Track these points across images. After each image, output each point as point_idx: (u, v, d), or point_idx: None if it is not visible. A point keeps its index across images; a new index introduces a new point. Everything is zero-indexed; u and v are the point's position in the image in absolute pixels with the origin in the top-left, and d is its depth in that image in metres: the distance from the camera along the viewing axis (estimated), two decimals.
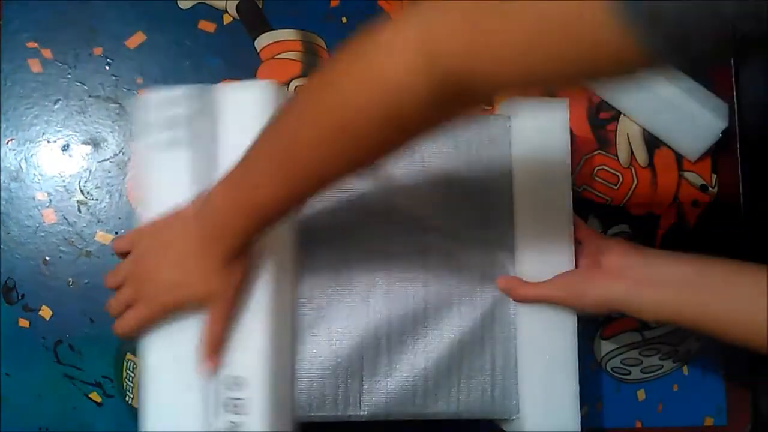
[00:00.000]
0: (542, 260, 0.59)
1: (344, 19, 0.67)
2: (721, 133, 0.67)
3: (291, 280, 0.57)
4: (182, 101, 0.56)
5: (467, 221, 0.59)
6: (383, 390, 0.57)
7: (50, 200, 0.64)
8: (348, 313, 0.58)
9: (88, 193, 0.64)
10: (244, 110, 0.55)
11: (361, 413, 0.57)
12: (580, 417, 0.57)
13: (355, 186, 0.59)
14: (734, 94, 0.70)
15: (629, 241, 0.64)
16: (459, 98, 0.38)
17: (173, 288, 0.52)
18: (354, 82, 0.39)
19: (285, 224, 0.54)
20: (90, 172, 0.64)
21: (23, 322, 0.62)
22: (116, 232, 0.63)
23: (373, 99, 0.38)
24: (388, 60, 0.38)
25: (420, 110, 0.38)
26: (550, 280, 0.58)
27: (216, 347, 0.52)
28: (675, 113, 0.67)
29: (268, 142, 0.45)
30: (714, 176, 0.70)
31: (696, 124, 0.67)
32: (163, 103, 0.56)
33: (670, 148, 0.69)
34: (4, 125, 0.64)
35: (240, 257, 0.50)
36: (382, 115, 0.39)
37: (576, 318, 0.58)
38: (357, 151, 0.42)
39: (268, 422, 0.52)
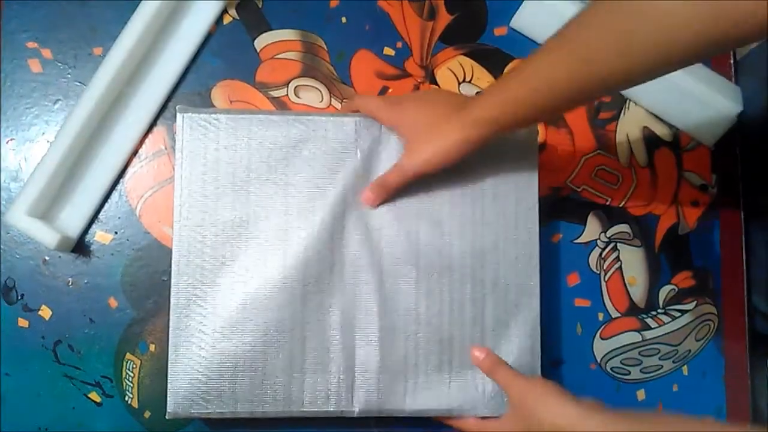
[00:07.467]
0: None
1: (344, 19, 0.67)
2: (737, 116, 0.67)
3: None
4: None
5: (459, 220, 0.60)
6: (375, 386, 0.58)
7: None
8: (340, 309, 0.58)
9: None
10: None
11: (353, 409, 0.58)
12: None
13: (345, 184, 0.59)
14: None
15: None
16: None
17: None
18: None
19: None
20: None
21: (23, 322, 0.62)
22: (116, 232, 0.63)
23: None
24: None
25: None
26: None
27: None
28: (689, 101, 0.67)
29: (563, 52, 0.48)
30: (714, 176, 0.70)
31: (711, 110, 0.67)
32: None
33: (688, 134, 0.69)
34: (4, 125, 0.64)
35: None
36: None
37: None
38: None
39: None
